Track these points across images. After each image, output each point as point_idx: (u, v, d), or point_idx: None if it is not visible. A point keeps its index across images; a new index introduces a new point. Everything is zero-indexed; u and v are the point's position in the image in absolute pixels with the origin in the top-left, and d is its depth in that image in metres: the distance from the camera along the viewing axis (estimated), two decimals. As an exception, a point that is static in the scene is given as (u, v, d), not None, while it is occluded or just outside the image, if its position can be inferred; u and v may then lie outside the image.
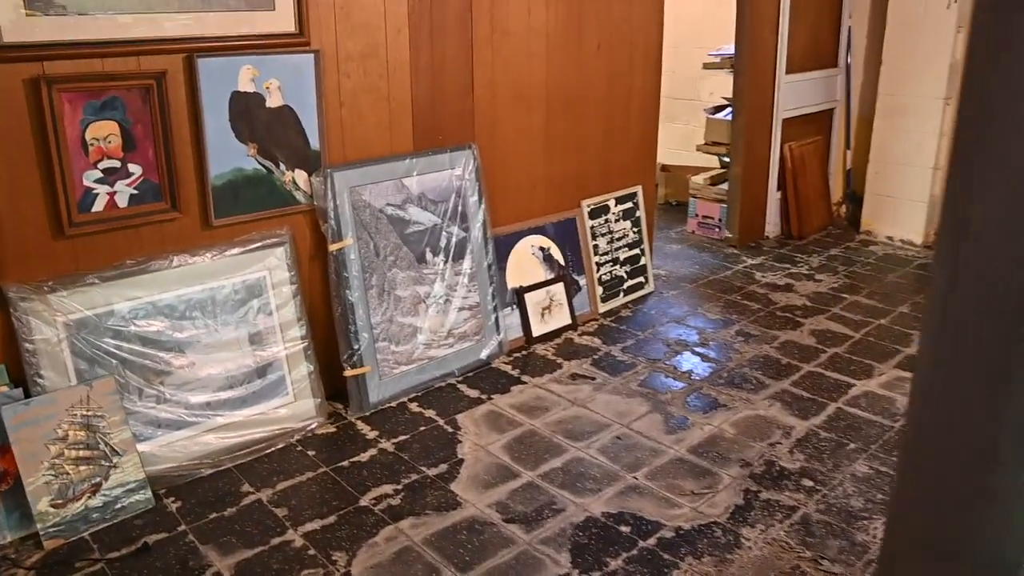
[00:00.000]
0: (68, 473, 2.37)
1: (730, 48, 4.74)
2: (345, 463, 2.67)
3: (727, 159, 5.00)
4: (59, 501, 2.35)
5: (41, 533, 2.32)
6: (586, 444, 2.73)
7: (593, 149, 3.74)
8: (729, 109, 4.93)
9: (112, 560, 2.26)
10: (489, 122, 3.29)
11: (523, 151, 3.47)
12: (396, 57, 2.94)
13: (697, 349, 3.47)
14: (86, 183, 2.41)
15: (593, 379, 3.19)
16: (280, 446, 2.77)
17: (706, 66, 5.24)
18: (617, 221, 3.95)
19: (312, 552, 2.24)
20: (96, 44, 2.33)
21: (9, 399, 2.34)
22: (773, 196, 4.89)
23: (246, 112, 2.63)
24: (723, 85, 5.11)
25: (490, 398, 3.06)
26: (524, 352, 3.44)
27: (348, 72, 2.84)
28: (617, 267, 3.93)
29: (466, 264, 3.22)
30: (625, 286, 3.96)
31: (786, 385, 3.14)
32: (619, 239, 3.97)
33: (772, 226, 4.94)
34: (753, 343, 3.51)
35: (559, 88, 3.50)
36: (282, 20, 2.62)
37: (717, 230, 4.95)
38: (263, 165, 2.72)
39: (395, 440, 2.79)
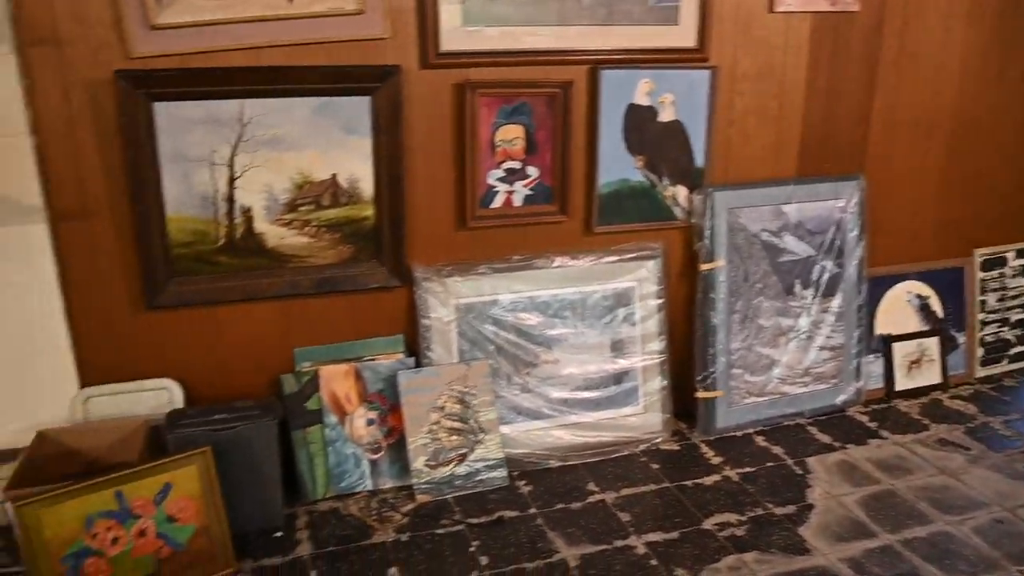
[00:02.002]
0: (441, 440, 2.74)
1: None
2: (688, 483, 2.79)
3: None
4: (432, 463, 2.73)
5: (415, 487, 2.72)
6: (958, 519, 2.57)
7: (996, 193, 3.49)
8: None
9: (471, 525, 2.57)
10: (882, 153, 3.22)
11: (915, 188, 3.35)
12: (791, 77, 3.00)
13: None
14: (489, 181, 2.77)
15: (968, 449, 2.99)
16: (624, 453, 2.96)
17: None
18: (1014, 277, 3.64)
19: (654, 563, 2.39)
20: (514, 54, 2.68)
21: (404, 366, 2.77)
22: None
23: (638, 125, 2.85)
24: None
25: (844, 447, 3.01)
26: (883, 405, 3.31)
27: (741, 91, 2.95)
28: (1006, 329, 3.62)
29: (836, 302, 3.19)
30: (1012, 352, 3.63)
31: None
32: (1013, 298, 3.65)
33: None
34: None
35: (967, 121, 3.32)
36: (684, 35, 2.80)
37: None
38: (648, 178, 2.92)
39: (740, 470, 2.85)
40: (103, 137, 2.42)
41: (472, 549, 2.45)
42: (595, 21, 2.71)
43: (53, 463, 2.50)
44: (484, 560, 2.39)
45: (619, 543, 2.47)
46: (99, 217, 2.49)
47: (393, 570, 2.38)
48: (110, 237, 2.51)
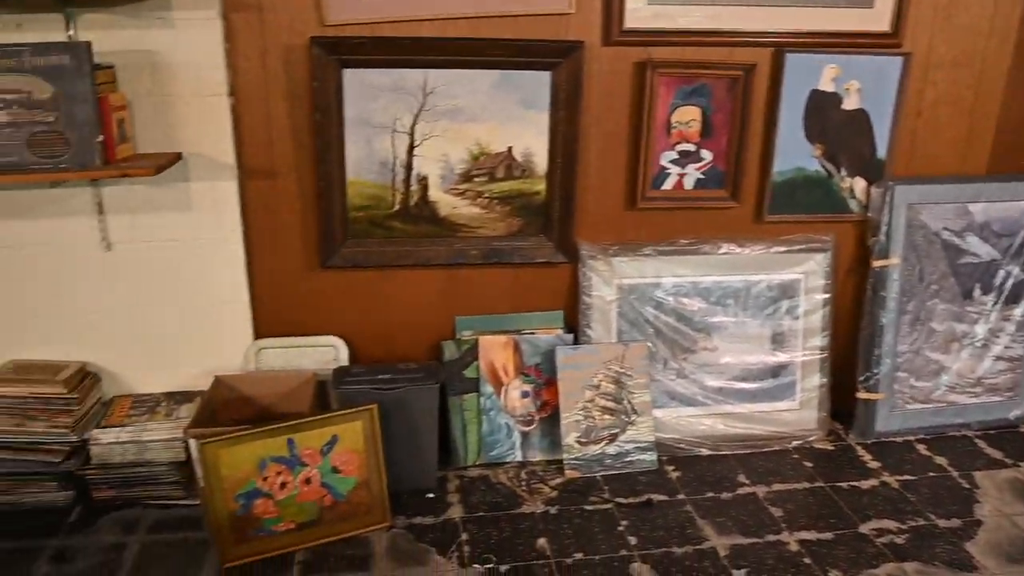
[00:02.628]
0: (594, 418, 2.79)
1: None
2: (844, 485, 2.74)
3: None
4: (583, 440, 2.78)
5: (565, 462, 2.77)
6: None
7: None
8: None
9: (620, 505, 2.62)
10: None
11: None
12: (993, 67, 2.86)
13: None
14: (662, 163, 2.77)
15: None
16: (776, 448, 2.93)
17: None
18: None
19: (807, 561, 2.37)
20: (698, 33, 2.66)
21: (562, 342, 2.82)
22: None
23: (820, 112, 2.78)
24: None
25: (1017, 465, 2.88)
26: (1061, 424, 3.13)
27: (934, 80, 2.84)
28: None
29: (1018, 311, 3.04)
30: None
31: None
32: None
33: None
34: None
35: None
36: (877, 18, 2.71)
37: None
38: (825, 168, 2.85)
39: (900, 477, 2.78)
40: (293, 100, 2.58)
41: (620, 528, 2.49)
42: (785, 2, 2.65)
43: (227, 407, 2.69)
44: (633, 540, 2.43)
45: (771, 537, 2.47)
46: (284, 177, 2.63)
47: (542, 540, 2.44)
48: (292, 197, 2.65)
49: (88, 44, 2.26)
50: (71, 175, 2.33)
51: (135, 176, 2.32)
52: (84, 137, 2.29)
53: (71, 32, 2.40)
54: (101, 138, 2.30)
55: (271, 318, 2.81)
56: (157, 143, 2.57)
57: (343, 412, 2.44)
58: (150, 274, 2.75)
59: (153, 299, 2.79)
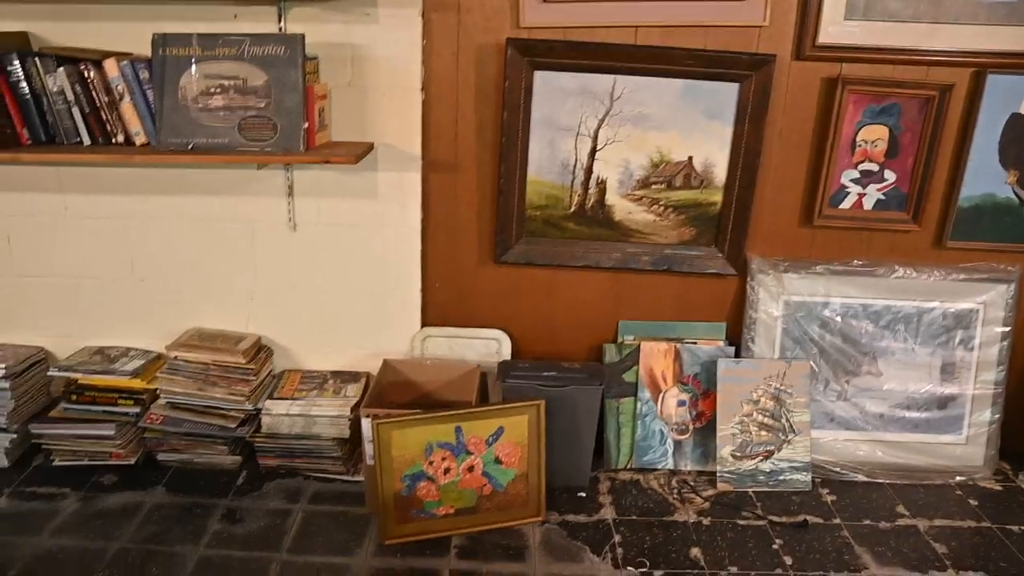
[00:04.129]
0: (750, 433, 2.84)
1: None
2: (1014, 528, 2.71)
3: None
4: (738, 454, 2.84)
5: (718, 474, 2.84)
6: None
7: None
8: None
9: (774, 523, 2.66)
10: None
11: None
12: None
13: None
14: (842, 181, 2.80)
15: None
16: (936, 482, 2.93)
17: None
18: None
19: (979, 602, 2.35)
20: (894, 51, 2.65)
21: (723, 353, 2.88)
22: None
23: (1018, 137, 2.73)
24: None
25: None
26: None
27: None
28: None
29: None
30: None
31: None
32: None
33: None
34: None
35: None
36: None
37: None
38: (1018, 195, 2.81)
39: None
40: (481, 98, 2.74)
41: (775, 547, 2.54)
42: (992, 20, 2.62)
43: (393, 390, 2.86)
44: (788, 560, 2.48)
45: (936, 574, 2.46)
46: (466, 172, 2.78)
47: (696, 550, 2.52)
48: (472, 192, 2.80)
49: (302, 37, 2.46)
50: (276, 158, 2.53)
51: (336, 163, 2.49)
52: (290, 123, 2.48)
53: (281, 24, 2.62)
54: (306, 125, 2.48)
55: (439, 308, 2.99)
56: (350, 132, 2.78)
57: (512, 405, 2.56)
58: (329, 257, 2.97)
59: (329, 281, 3.01)
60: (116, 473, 2.98)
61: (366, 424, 2.50)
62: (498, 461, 2.56)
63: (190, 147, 2.50)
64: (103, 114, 2.64)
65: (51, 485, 2.90)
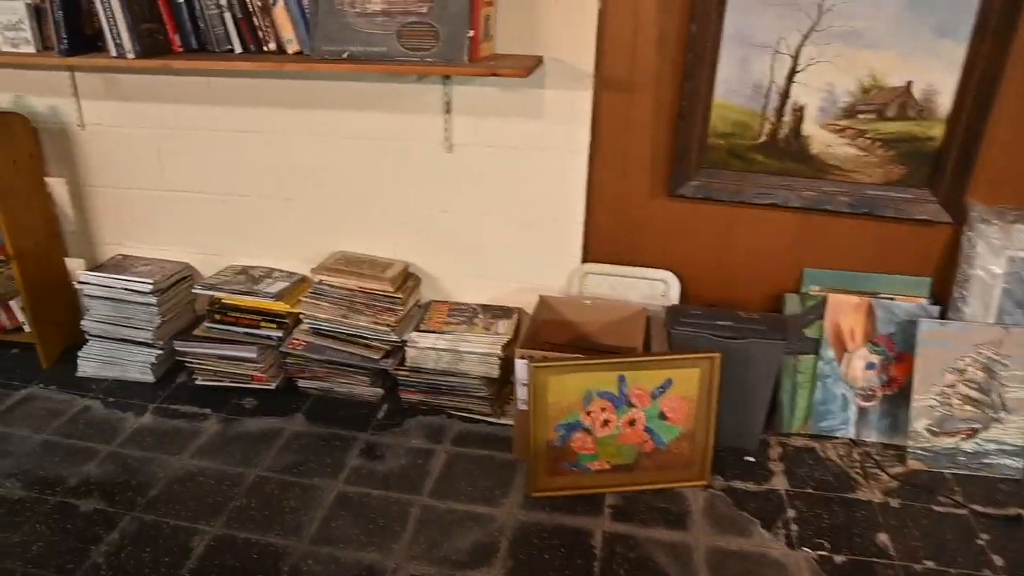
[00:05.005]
0: (952, 407, 2.45)
1: None
2: None
3: None
4: (935, 429, 2.46)
5: (908, 450, 2.48)
6: None
7: None
8: None
9: (978, 513, 2.29)
10: None
11: None
12: None
13: None
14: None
15: None
16: None
17: None
18: None
19: None
20: None
21: (926, 313, 2.49)
22: None
23: None
24: None
25: None
26: None
27: None
28: None
29: None
30: None
31: None
32: None
33: None
34: None
35: None
36: None
37: None
38: None
39: None
40: (665, 7, 2.44)
41: (980, 542, 2.21)
42: None
43: (548, 328, 2.64)
44: (999, 561, 2.15)
45: None
46: (642, 92, 2.48)
47: (883, 536, 2.20)
48: (647, 114, 2.49)
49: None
50: (437, 69, 2.29)
51: (505, 76, 2.23)
52: (454, 32, 2.23)
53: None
54: (471, 33, 2.22)
55: (602, 243, 2.76)
56: (515, 44, 2.53)
57: (684, 356, 2.31)
58: (486, 181, 2.75)
59: (484, 207, 2.80)
60: (256, 396, 2.94)
61: (521, 366, 2.28)
62: (663, 416, 2.33)
63: (345, 55, 2.32)
64: (255, 19, 2.51)
65: (193, 404, 2.90)
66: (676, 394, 2.32)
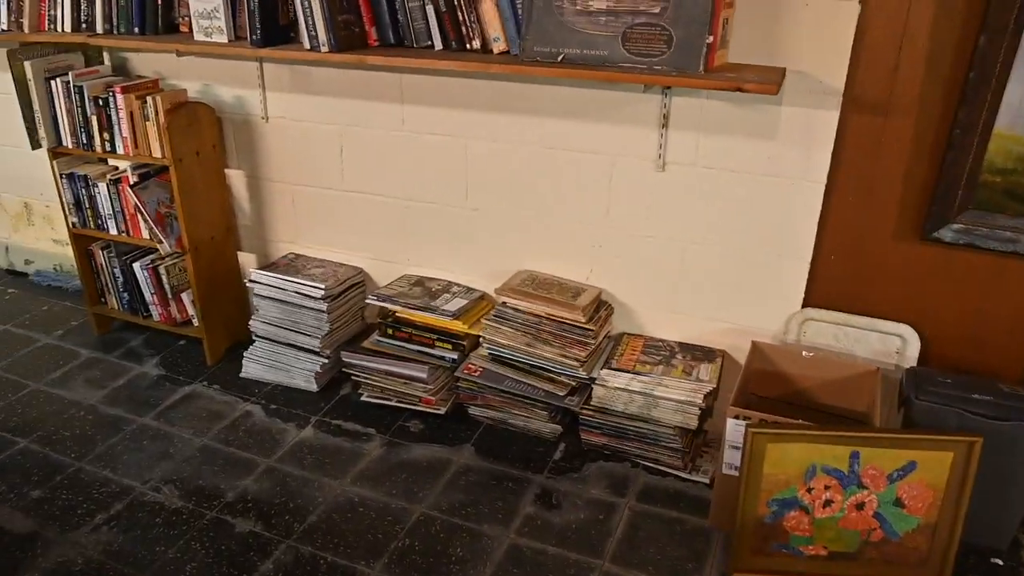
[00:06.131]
0: None
1: None
2: None
3: None
4: None
5: None
6: None
7: None
8: None
9: None
10: None
11: None
12: None
13: None
14: None
15: None
16: None
17: None
18: None
19: None
20: None
21: None
22: None
23: None
24: None
25: None
26: None
27: None
28: None
29: None
30: None
31: None
32: None
33: None
34: None
35: None
36: None
37: None
38: None
39: None
40: (945, 15, 2.04)
41: None
42: None
43: (759, 379, 2.38)
44: None
45: None
46: (901, 115, 2.12)
47: None
48: (905, 143, 2.12)
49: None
50: (668, 80, 1.98)
51: (753, 92, 1.87)
52: (689, 36, 1.94)
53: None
54: (710, 39, 1.89)
55: (829, 286, 2.41)
56: (749, 52, 2.20)
57: (936, 437, 1.94)
58: (700, 205, 2.45)
59: (695, 234, 2.50)
60: (423, 419, 2.76)
61: (734, 427, 1.98)
62: (899, 503, 2.04)
63: (560, 58, 2.11)
64: (460, 14, 2.29)
65: (356, 421, 2.76)
66: (919, 479, 1.97)
